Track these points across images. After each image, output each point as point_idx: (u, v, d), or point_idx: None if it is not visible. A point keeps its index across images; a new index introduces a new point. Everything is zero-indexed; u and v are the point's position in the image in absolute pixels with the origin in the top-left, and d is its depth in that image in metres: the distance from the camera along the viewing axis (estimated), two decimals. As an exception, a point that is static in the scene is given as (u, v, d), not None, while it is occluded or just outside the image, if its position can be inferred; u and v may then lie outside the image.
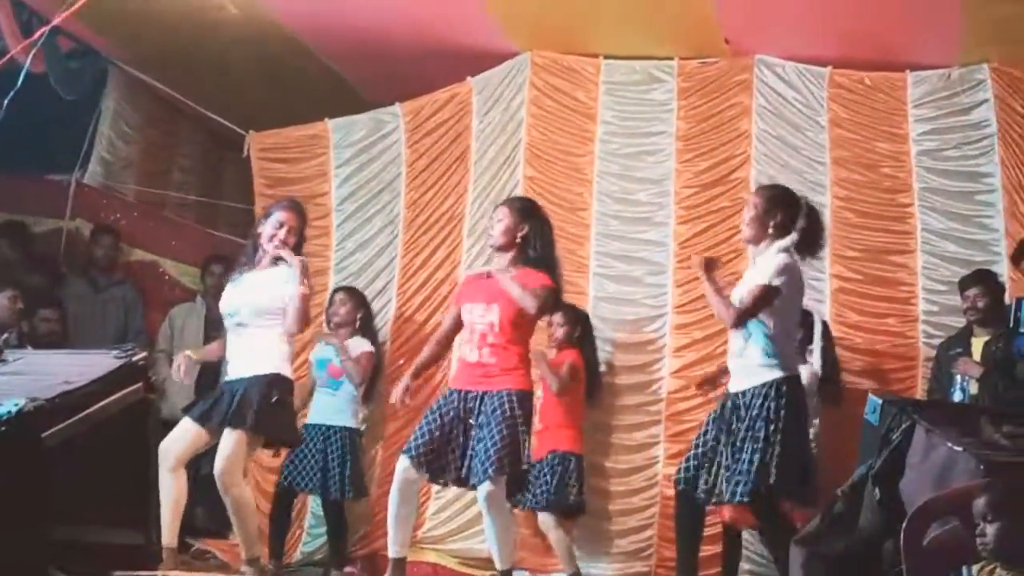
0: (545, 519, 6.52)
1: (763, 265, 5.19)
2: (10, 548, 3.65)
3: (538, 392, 6.50)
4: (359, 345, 7.03)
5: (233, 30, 7.32)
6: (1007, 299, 6.39)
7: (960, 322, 6.54)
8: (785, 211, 5.25)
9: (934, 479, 3.99)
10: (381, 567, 6.97)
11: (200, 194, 9.18)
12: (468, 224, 7.43)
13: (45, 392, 3.88)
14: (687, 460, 5.34)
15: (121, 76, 8.32)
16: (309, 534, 7.35)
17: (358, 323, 7.09)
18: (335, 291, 7.23)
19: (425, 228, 7.52)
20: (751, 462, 4.97)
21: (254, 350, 5.48)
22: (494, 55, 7.45)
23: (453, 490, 7.02)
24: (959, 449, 3.97)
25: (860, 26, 6.74)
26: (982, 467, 3.84)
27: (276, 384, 5.47)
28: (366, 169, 7.69)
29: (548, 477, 6.49)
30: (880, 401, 4.66)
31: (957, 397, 6.23)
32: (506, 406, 5.23)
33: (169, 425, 7.13)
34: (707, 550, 6.58)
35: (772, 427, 5.00)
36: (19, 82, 6.06)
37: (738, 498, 5.00)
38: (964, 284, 6.43)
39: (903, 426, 4.31)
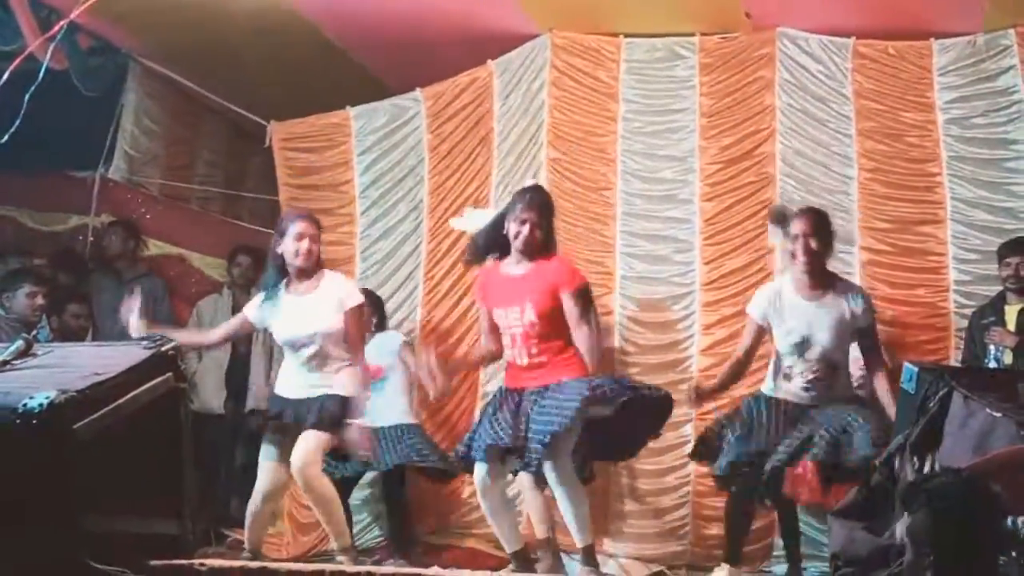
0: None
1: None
2: (45, 540, 3.64)
3: None
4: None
5: (251, 20, 7.30)
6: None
7: (992, 291, 6.49)
8: None
9: (973, 446, 3.93)
10: (417, 553, 6.98)
11: (224, 186, 9.20)
12: (493, 208, 7.39)
13: (76, 384, 3.82)
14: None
15: (142, 71, 8.35)
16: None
17: (375, 324, 6.99)
18: None
19: (450, 213, 7.43)
20: None
21: (330, 376, 5.65)
22: (514, 37, 7.42)
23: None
24: (998, 415, 3.92)
25: (882, -6, 6.68)
26: (1022, 432, 3.80)
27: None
28: (389, 156, 7.66)
29: None
30: (916, 369, 4.58)
31: (991, 367, 6.15)
32: None
33: (200, 417, 7.22)
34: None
35: None
36: (39, 78, 6.07)
37: None
38: (1004, 252, 6.35)
39: (940, 394, 4.20)
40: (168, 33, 7.63)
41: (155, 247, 8.19)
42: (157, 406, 4.18)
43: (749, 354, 5.81)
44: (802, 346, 5.46)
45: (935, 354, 6.61)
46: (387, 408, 6.79)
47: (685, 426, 6.93)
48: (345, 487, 6.78)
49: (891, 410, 5.29)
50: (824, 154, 6.86)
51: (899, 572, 3.68)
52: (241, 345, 7.60)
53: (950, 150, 6.81)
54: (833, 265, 6.37)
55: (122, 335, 6.68)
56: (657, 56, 7.30)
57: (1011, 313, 6.25)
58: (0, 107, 5.55)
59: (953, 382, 4.23)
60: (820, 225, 5.49)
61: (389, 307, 7.43)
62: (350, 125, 7.74)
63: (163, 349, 4.36)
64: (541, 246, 5.41)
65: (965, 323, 6.56)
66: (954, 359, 6.58)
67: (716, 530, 6.76)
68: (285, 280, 5.72)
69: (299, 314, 5.63)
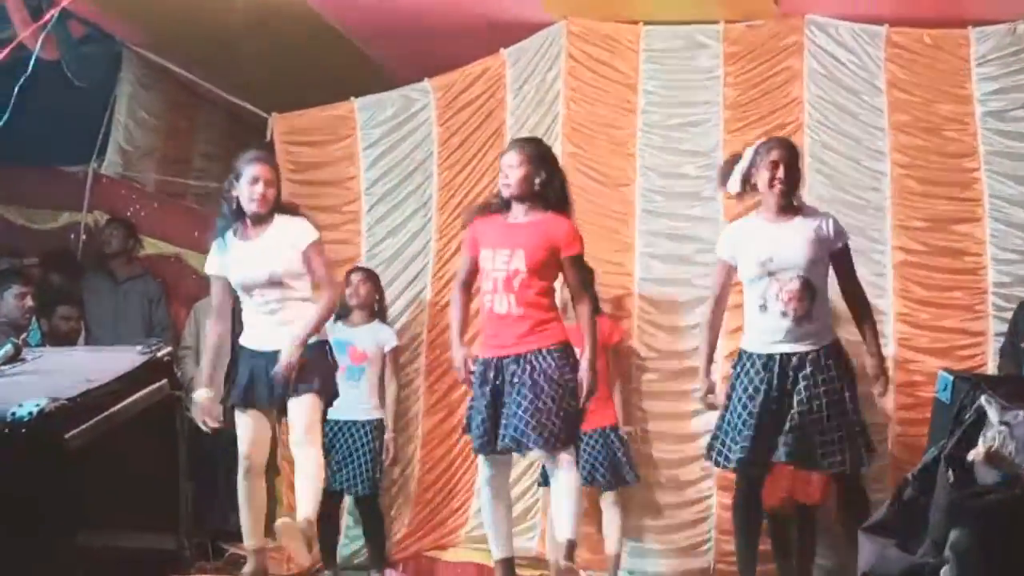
0: (608, 496, 6.44)
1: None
2: (36, 555, 3.64)
3: None
4: (390, 337, 6.91)
5: (251, 6, 7.11)
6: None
7: (1032, 293, 6.35)
8: None
9: (1013, 457, 3.81)
10: (425, 569, 6.82)
11: (222, 181, 9.01)
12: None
13: (67, 391, 3.81)
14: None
15: (136, 60, 8.21)
16: (347, 536, 7.19)
17: (376, 306, 6.96)
18: (351, 271, 7.00)
19: (460, 210, 7.20)
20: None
21: (287, 322, 5.42)
22: (527, 25, 7.23)
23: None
24: (1037, 426, 3.78)
25: (917, -20, 6.55)
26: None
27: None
28: (396, 150, 7.47)
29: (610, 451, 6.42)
30: (952, 378, 4.52)
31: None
32: None
33: (197, 425, 6.97)
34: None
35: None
36: (30, 68, 5.92)
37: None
38: None
39: (976, 403, 4.07)
40: (163, 20, 7.46)
41: (150, 246, 8.07)
42: (152, 414, 4.21)
43: (721, 299, 5.60)
44: (771, 263, 5.29)
45: (971, 360, 6.47)
46: (358, 403, 6.72)
47: (705, 436, 6.66)
48: (333, 501, 6.68)
49: (872, 349, 5.43)
50: (855, 149, 6.69)
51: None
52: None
53: (988, 144, 6.62)
54: (865, 265, 6.22)
55: (115, 339, 6.54)
56: (678, 44, 7.10)
57: (1058, 308, 6.09)
58: (-10, 99, 5.51)
59: (990, 391, 4.13)
60: (795, 157, 5.46)
61: (395, 308, 7.30)
62: (355, 117, 7.56)
63: (158, 355, 4.46)
64: (533, 193, 5.18)
65: (1003, 328, 6.38)
66: (992, 364, 6.41)
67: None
68: (236, 226, 5.54)
69: (250, 258, 5.44)
